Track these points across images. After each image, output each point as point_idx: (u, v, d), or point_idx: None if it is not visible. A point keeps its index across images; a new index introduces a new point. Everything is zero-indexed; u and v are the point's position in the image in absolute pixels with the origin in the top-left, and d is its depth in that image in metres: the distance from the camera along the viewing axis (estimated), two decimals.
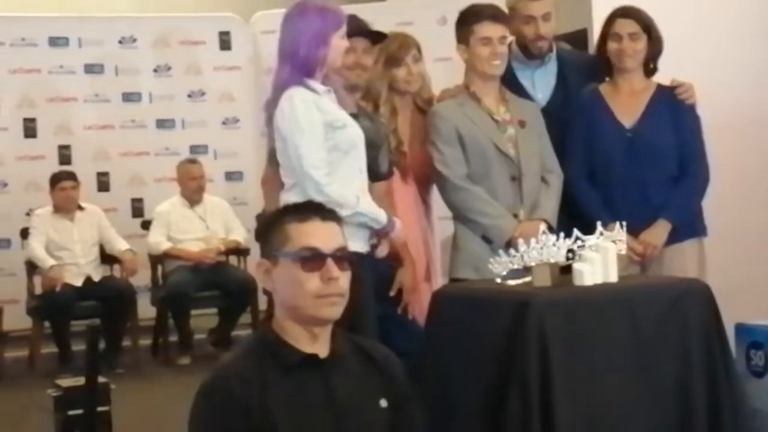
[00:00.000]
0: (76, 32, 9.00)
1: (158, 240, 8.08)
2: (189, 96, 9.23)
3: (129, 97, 9.10)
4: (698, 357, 3.34)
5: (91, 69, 9.02)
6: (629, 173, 4.62)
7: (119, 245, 8.01)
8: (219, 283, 8.00)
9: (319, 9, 4.04)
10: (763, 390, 3.49)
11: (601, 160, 4.68)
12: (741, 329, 3.60)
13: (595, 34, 4.96)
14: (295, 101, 3.94)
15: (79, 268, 7.85)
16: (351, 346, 2.78)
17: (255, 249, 7.65)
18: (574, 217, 4.42)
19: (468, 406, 3.34)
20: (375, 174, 4.26)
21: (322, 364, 2.68)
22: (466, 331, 3.44)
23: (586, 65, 4.93)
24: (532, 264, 3.43)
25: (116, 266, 8.09)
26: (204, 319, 8.31)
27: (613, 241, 3.51)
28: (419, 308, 4.53)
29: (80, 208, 8.04)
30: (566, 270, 3.45)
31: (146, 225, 8.37)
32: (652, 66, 4.75)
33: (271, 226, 2.77)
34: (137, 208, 9.03)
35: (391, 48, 4.76)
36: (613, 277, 3.43)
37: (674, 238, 4.60)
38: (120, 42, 9.12)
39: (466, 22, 4.57)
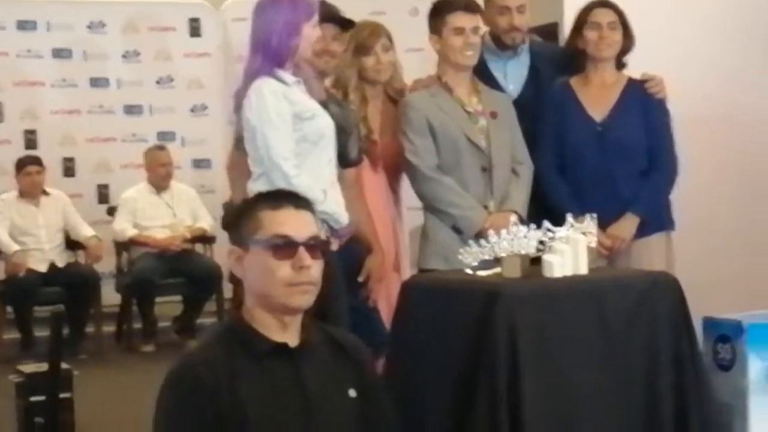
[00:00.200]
0: (45, 16, 8.94)
1: (124, 226, 8.05)
2: (157, 82, 9.18)
3: (97, 83, 9.04)
4: (666, 350, 3.35)
5: (59, 53, 8.96)
6: (599, 167, 4.63)
7: (84, 231, 7.97)
8: (184, 270, 7.98)
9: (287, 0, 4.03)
10: (729, 383, 3.50)
11: (571, 153, 4.68)
12: (708, 323, 3.61)
13: (566, 28, 4.96)
14: (264, 92, 3.92)
15: (43, 253, 7.82)
16: (321, 335, 2.76)
17: (221, 237, 7.64)
18: (544, 209, 4.42)
19: (436, 397, 3.33)
20: (344, 160, 4.25)
21: (291, 353, 2.67)
22: (435, 321, 3.43)
23: (557, 58, 4.94)
24: (503, 255, 3.42)
25: (81, 252, 8.06)
26: (168, 307, 8.29)
27: (584, 233, 3.50)
28: (387, 298, 4.53)
29: (45, 193, 7.99)
30: (536, 261, 3.44)
31: (112, 211, 8.34)
32: (622, 61, 4.76)
33: (243, 213, 2.76)
34: (103, 194, 8.98)
35: (360, 36, 4.74)
36: (583, 269, 3.43)
37: (642, 231, 4.62)
38: (89, 27, 9.06)
39: (439, 12, 4.57)
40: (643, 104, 4.70)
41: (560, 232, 3.44)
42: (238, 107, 4.09)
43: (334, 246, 4.08)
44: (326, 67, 4.51)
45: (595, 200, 4.45)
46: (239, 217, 2.77)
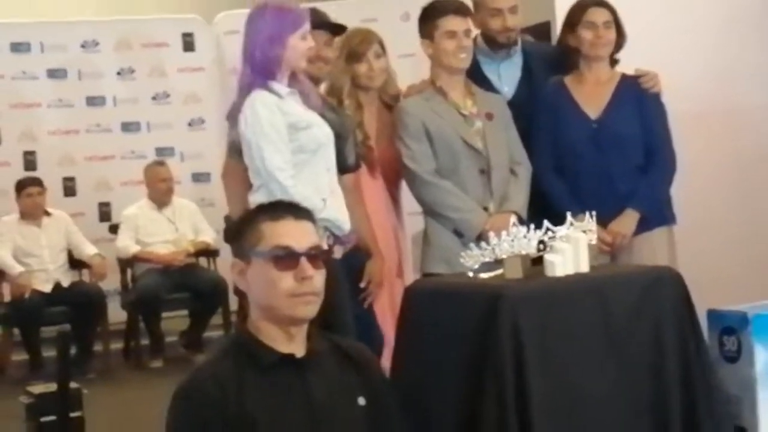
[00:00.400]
0: (38, 37, 8.95)
1: (127, 243, 8.05)
2: (153, 98, 9.19)
3: (93, 101, 9.05)
4: (671, 344, 3.35)
5: (53, 74, 8.98)
6: (596, 163, 4.64)
7: (87, 250, 7.98)
8: (189, 285, 7.98)
9: (277, 9, 4.03)
10: (736, 375, 3.49)
11: (567, 151, 4.69)
12: (713, 315, 3.60)
13: (558, 27, 4.97)
14: (257, 105, 3.94)
15: (47, 274, 7.82)
16: (327, 344, 2.77)
17: (224, 250, 7.63)
18: (542, 209, 4.42)
19: (443, 402, 3.33)
20: (342, 166, 4.26)
21: (298, 364, 2.68)
22: (439, 325, 3.43)
23: (550, 57, 4.95)
24: (504, 256, 3.42)
25: (85, 271, 8.05)
26: (175, 322, 8.29)
27: (584, 231, 3.51)
28: (391, 304, 4.54)
29: (47, 213, 8.00)
30: (538, 261, 3.45)
31: (114, 229, 8.34)
32: (615, 57, 4.77)
33: (244, 225, 2.76)
34: (104, 212, 8.98)
35: (352, 43, 4.77)
36: (584, 267, 3.43)
37: (643, 226, 4.63)
38: (82, 46, 9.07)
39: (430, 16, 4.58)
40: (637, 99, 4.71)
41: (560, 231, 3.45)
42: (231, 118, 4.11)
43: (338, 254, 4.09)
44: (320, 74, 4.52)
45: (594, 197, 4.46)
46: (240, 229, 2.78)
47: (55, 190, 8.56)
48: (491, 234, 3.51)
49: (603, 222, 4.34)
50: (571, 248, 3.42)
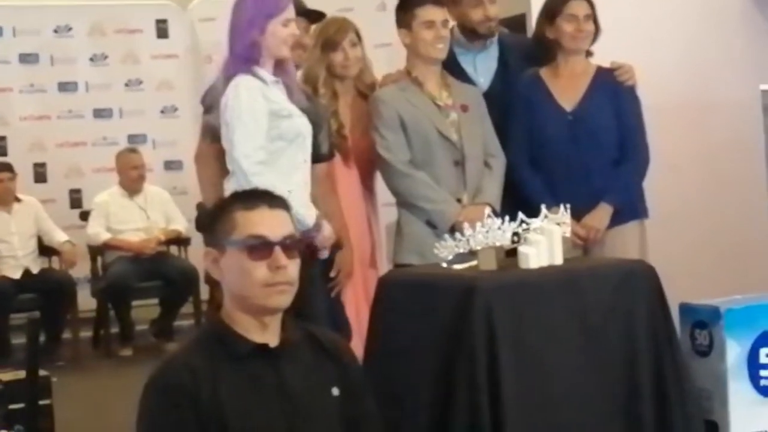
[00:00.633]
0: (10, 21, 8.88)
1: (97, 231, 8.01)
2: (126, 85, 9.15)
3: (65, 87, 9.00)
4: (644, 337, 3.36)
5: (26, 59, 8.91)
6: (570, 156, 4.65)
7: (58, 237, 7.93)
8: (160, 273, 7.95)
9: None
10: (707, 369, 3.51)
11: (542, 143, 4.69)
12: (685, 309, 3.62)
13: (534, 19, 4.97)
14: (240, 89, 3.93)
15: (17, 260, 7.77)
16: (302, 334, 2.75)
17: (196, 238, 7.63)
18: (517, 201, 4.43)
19: (416, 392, 3.33)
20: (315, 155, 4.24)
21: (272, 354, 2.66)
22: (412, 316, 3.44)
23: (526, 49, 4.95)
24: (478, 248, 3.42)
25: (55, 258, 8.02)
26: (145, 310, 8.25)
27: (558, 224, 3.51)
28: (365, 294, 4.53)
29: (17, 199, 7.95)
30: (512, 253, 3.45)
31: (85, 216, 8.29)
32: (589, 49, 4.78)
33: (218, 213, 2.74)
34: (75, 198, 8.94)
35: (328, 32, 4.75)
36: (558, 260, 3.44)
37: (616, 220, 4.63)
38: (55, 31, 9.01)
39: (409, 6, 4.57)
40: (613, 92, 4.72)
41: (534, 223, 3.45)
42: (206, 102, 4.12)
43: (324, 254, 4.09)
44: (299, 60, 4.52)
45: (568, 189, 4.47)
46: (214, 218, 2.76)
47: (25, 176, 8.50)
48: (466, 225, 3.51)
49: (577, 215, 4.35)
50: (545, 240, 3.42)
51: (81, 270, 8.10)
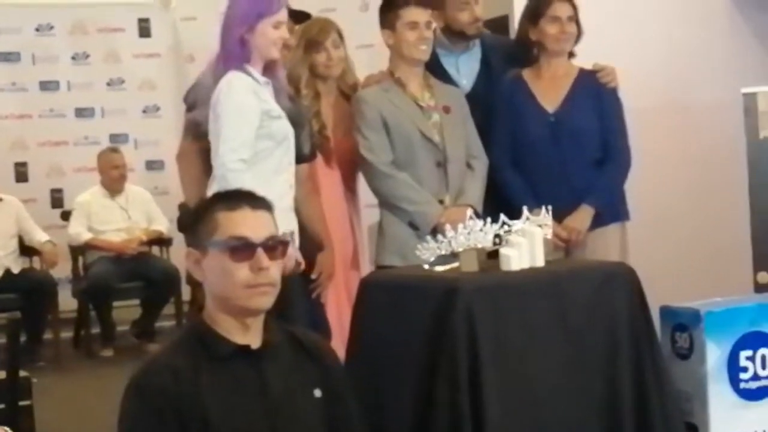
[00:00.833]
0: None
1: (79, 231, 7.98)
2: (108, 84, 9.13)
3: (47, 86, 8.98)
4: (624, 339, 3.37)
5: (7, 57, 8.89)
6: (553, 157, 4.66)
7: (39, 237, 7.89)
8: (141, 273, 7.93)
9: None
10: (688, 372, 3.52)
11: (524, 145, 4.70)
12: (666, 312, 3.63)
13: (515, 21, 4.98)
14: (234, 84, 3.94)
15: None
16: (284, 335, 2.75)
17: (177, 239, 7.62)
18: (500, 202, 4.44)
19: (398, 393, 3.33)
20: (297, 156, 4.24)
21: (254, 355, 2.65)
22: (394, 317, 3.44)
23: (509, 51, 4.96)
24: (460, 250, 3.43)
25: (36, 258, 7.98)
26: (126, 311, 8.24)
27: (539, 226, 3.52)
28: (348, 295, 4.53)
29: None
30: (493, 255, 3.46)
31: (66, 216, 8.27)
32: (572, 51, 4.79)
33: (200, 214, 2.73)
34: (57, 198, 8.92)
35: (310, 32, 4.75)
36: (539, 262, 3.45)
37: (597, 222, 4.65)
38: (37, 29, 8.99)
39: (393, 7, 4.57)
40: (595, 94, 4.73)
41: (516, 225, 3.46)
42: (189, 99, 4.14)
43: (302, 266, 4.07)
44: (284, 61, 4.52)
45: (550, 191, 4.49)
46: (196, 219, 2.75)
47: (6, 175, 8.49)
48: (447, 227, 3.51)
49: (559, 216, 4.36)
50: (527, 242, 3.43)
51: (62, 270, 8.07)
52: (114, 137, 8.98)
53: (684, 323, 3.55)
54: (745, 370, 3.53)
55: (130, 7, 9.34)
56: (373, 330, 3.51)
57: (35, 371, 5.44)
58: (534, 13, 4.71)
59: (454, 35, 4.85)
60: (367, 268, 4.85)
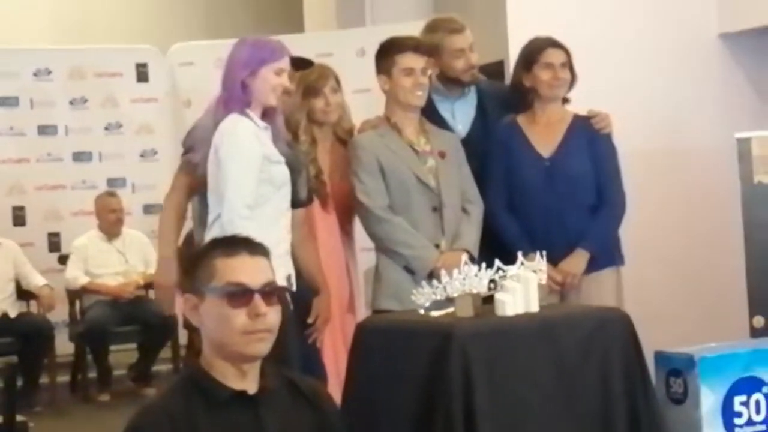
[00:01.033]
0: None
1: (76, 275, 7.97)
2: (106, 128, 9.13)
3: (45, 130, 8.98)
4: (619, 385, 3.39)
5: (5, 102, 8.90)
6: (548, 202, 4.69)
7: (36, 281, 7.88)
8: (138, 317, 7.90)
9: (254, 40, 4.15)
10: (682, 417, 3.53)
11: (520, 189, 4.73)
12: (660, 357, 3.65)
13: (512, 66, 5.02)
14: (239, 127, 3.99)
15: None
16: (281, 380, 2.75)
17: None
18: (495, 247, 4.46)
19: None
20: (294, 201, 4.27)
21: (251, 401, 2.65)
22: (390, 362, 3.46)
23: (504, 96, 4.99)
24: (455, 295, 3.45)
25: (33, 302, 7.95)
26: (123, 355, 8.21)
27: (534, 271, 3.54)
28: (344, 339, 4.54)
29: None
30: (488, 300, 3.48)
31: (63, 260, 8.26)
32: (566, 97, 4.83)
33: (198, 260, 2.74)
34: (54, 242, 8.89)
35: (309, 79, 4.79)
36: (534, 307, 3.47)
37: (592, 266, 4.67)
38: (35, 74, 9.01)
39: (389, 52, 4.61)
40: (589, 139, 4.77)
41: (511, 270, 3.48)
42: (188, 142, 4.22)
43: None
44: (284, 107, 4.56)
45: (545, 236, 4.52)
46: (194, 264, 2.75)
47: (4, 219, 8.48)
48: (443, 272, 3.53)
49: (554, 261, 4.38)
50: (522, 288, 3.45)
51: (59, 314, 8.04)
52: (111, 181, 8.98)
53: (678, 368, 3.56)
54: (739, 415, 3.55)
55: (128, 52, 9.36)
56: (369, 374, 3.52)
57: (32, 416, 5.45)
58: (527, 60, 4.75)
59: (450, 82, 4.89)
60: (363, 312, 4.86)
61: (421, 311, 3.52)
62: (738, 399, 3.54)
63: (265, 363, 2.72)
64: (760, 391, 3.58)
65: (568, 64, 4.74)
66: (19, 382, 7.04)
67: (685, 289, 6.16)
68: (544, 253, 3.63)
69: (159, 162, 9.10)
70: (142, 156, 9.17)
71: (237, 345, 2.63)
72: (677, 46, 6.43)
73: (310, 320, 4.51)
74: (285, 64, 4.10)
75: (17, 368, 7.10)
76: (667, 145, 6.29)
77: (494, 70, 6.16)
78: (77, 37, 10.10)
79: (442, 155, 4.64)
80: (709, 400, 3.50)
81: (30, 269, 7.94)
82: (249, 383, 2.67)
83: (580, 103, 4.85)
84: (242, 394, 2.65)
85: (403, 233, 4.51)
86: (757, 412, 3.56)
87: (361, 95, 6.21)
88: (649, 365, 3.53)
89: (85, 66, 9.13)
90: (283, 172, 4.07)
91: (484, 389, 3.18)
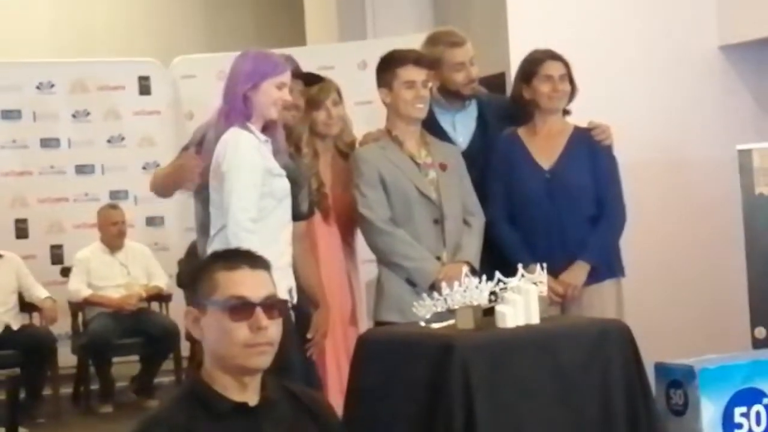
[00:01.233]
0: None
1: (78, 287, 7.98)
2: (108, 141, 9.14)
3: (47, 143, 8.99)
4: (620, 397, 3.39)
5: (8, 115, 8.91)
6: (548, 214, 4.70)
7: (39, 293, 7.89)
8: (141, 329, 7.92)
9: (257, 54, 4.16)
10: (682, 428, 3.54)
11: (520, 201, 4.75)
12: (660, 369, 3.66)
13: (512, 78, 5.03)
14: (241, 140, 4.01)
15: None
16: (281, 392, 2.76)
17: (177, 295, 7.62)
18: (496, 259, 4.47)
19: None
20: (295, 213, 4.29)
21: (252, 413, 2.67)
22: (391, 374, 3.46)
23: (504, 108, 5.01)
24: (456, 307, 3.46)
25: (36, 314, 7.96)
26: (126, 367, 8.21)
27: (534, 283, 3.55)
28: (345, 351, 4.55)
29: None
30: (489, 312, 3.48)
31: (66, 272, 8.27)
32: (567, 108, 4.85)
33: (199, 273, 2.75)
34: (56, 254, 8.90)
35: (311, 91, 4.79)
36: (534, 319, 3.48)
37: (593, 278, 4.68)
38: (38, 87, 9.02)
39: (390, 65, 4.63)
40: (589, 151, 4.78)
41: (512, 282, 3.49)
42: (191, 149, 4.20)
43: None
44: (293, 122, 4.58)
45: (545, 247, 4.54)
46: (195, 277, 2.76)
47: (6, 231, 8.49)
48: (443, 284, 3.54)
49: (555, 272, 4.40)
50: (522, 300, 3.46)
51: (61, 326, 8.05)
52: (114, 194, 8.99)
53: (679, 380, 3.57)
54: (740, 426, 3.55)
55: (130, 65, 9.38)
56: (370, 386, 3.52)
57: (35, 428, 5.46)
58: (527, 73, 4.77)
59: (450, 95, 4.90)
60: (365, 323, 4.87)
61: (422, 323, 3.53)
62: (738, 410, 3.54)
63: (265, 375, 2.73)
64: (760, 402, 3.58)
65: (568, 76, 4.75)
66: (22, 394, 7.07)
67: (686, 300, 6.16)
68: (545, 265, 3.64)
69: None
70: (144, 168, 9.16)
71: (238, 358, 2.64)
72: (678, 58, 6.44)
73: (309, 335, 4.51)
74: (287, 78, 4.12)
75: (20, 380, 7.11)
76: (667, 157, 6.30)
77: (495, 82, 6.17)
78: (79, 51, 10.11)
79: (443, 167, 4.66)
80: (709, 411, 3.50)
81: (33, 282, 7.95)
82: (250, 395, 2.68)
83: (580, 114, 4.87)
84: (243, 406, 2.66)
85: (404, 245, 4.52)
86: (758, 423, 3.57)
87: (362, 107, 6.23)
88: (649, 377, 3.53)
89: (88, 79, 9.14)
90: (284, 185, 4.09)
91: (485, 401, 3.18)
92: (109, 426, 7.02)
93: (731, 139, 5.94)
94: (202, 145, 4.23)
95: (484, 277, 3.50)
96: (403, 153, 4.64)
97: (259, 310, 2.65)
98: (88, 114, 9.11)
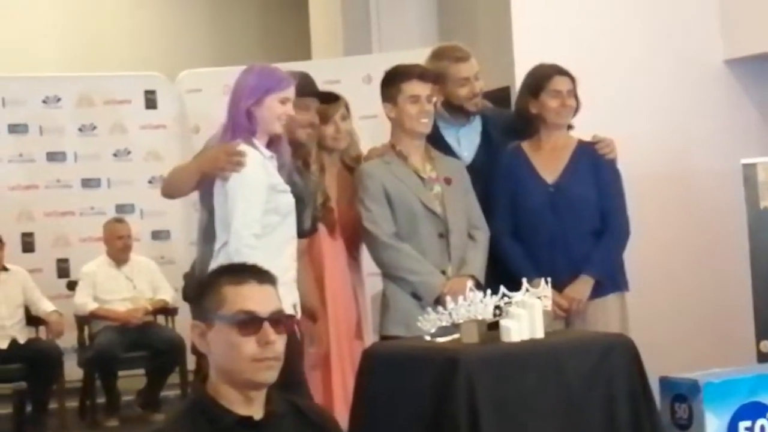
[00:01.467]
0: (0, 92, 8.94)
1: (84, 301, 7.99)
2: (114, 155, 9.16)
3: (53, 157, 9.01)
4: (624, 411, 3.40)
5: (14, 129, 8.93)
6: (552, 228, 4.71)
7: (45, 306, 7.90)
8: (147, 343, 7.92)
9: (261, 69, 4.18)
10: None
11: (525, 215, 4.76)
12: (665, 383, 3.66)
13: (517, 92, 5.05)
14: (246, 157, 4.00)
15: (3, 330, 7.72)
16: (286, 406, 2.77)
17: (183, 308, 7.63)
18: (500, 273, 4.48)
19: None
20: (298, 230, 4.30)
21: (257, 426, 2.68)
22: (396, 388, 3.47)
23: (509, 123, 5.02)
24: (461, 321, 3.47)
25: (42, 328, 7.97)
26: (132, 380, 8.22)
27: (539, 297, 3.56)
28: (351, 365, 4.55)
29: (4, 269, 7.92)
30: (494, 327, 3.49)
31: (72, 285, 8.28)
32: (570, 123, 4.86)
33: (206, 287, 2.75)
34: (63, 268, 8.91)
35: (320, 106, 4.81)
36: (539, 333, 3.49)
37: (597, 292, 4.68)
38: (44, 101, 9.04)
39: (394, 80, 4.64)
40: (593, 165, 4.79)
41: (516, 296, 3.50)
42: None
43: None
44: (308, 140, 4.59)
45: (550, 260, 4.55)
46: (202, 292, 2.77)
47: (13, 245, 8.49)
48: (448, 298, 3.55)
49: (559, 286, 4.41)
50: (527, 314, 3.47)
51: (68, 340, 8.06)
52: (120, 207, 9.00)
53: (683, 394, 3.57)
54: None
55: (136, 79, 9.41)
56: (376, 400, 3.54)
57: None
58: (535, 87, 4.78)
59: (455, 109, 4.92)
60: (371, 337, 4.88)
61: (427, 337, 3.54)
62: (743, 424, 3.55)
63: (271, 389, 2.74)
64: (764, 416, 3.58)
65: (574, 92, 4.77)
66: (28, 408, 7.08)
67: (690, 314, 6.16)
68: (549, 279, 3.65)
69: None
70: (150, 182, 9.18)
71: (246, 372, 2.65)
72: (682, 72, 6.45)
73: (311, 349, 4.52)
74: (290, 93, 4.13)
75: (26, 394, 7.13)
76: (672, 171, 6.30)
77: (500, 96, 6.19)
78: (86, 65, 10.14)
79: (448, 182, 4.67)
80: (713, 425, 3.50)
81: (39, 295, 7.96)
82: (255, 409, 2.69)
83: (585, 128, 4.88)
84: (248, 420, 2.67)
85: (409, 260, 4.53)
86: None
87: (367, 121, 6.24)
88: (654, 391, 3.54)
89: (94, 93, 9.16)
90: (288, 201, 4.11)
91: (490, 415, 3.20)
92: None
93: (736, 152, 5.94)
94: None
95: (488, 292, 3.51)
96: (408, 168, 4.66)
97: (267, 325, 2.65)
98: (94, 128, 9.13)
